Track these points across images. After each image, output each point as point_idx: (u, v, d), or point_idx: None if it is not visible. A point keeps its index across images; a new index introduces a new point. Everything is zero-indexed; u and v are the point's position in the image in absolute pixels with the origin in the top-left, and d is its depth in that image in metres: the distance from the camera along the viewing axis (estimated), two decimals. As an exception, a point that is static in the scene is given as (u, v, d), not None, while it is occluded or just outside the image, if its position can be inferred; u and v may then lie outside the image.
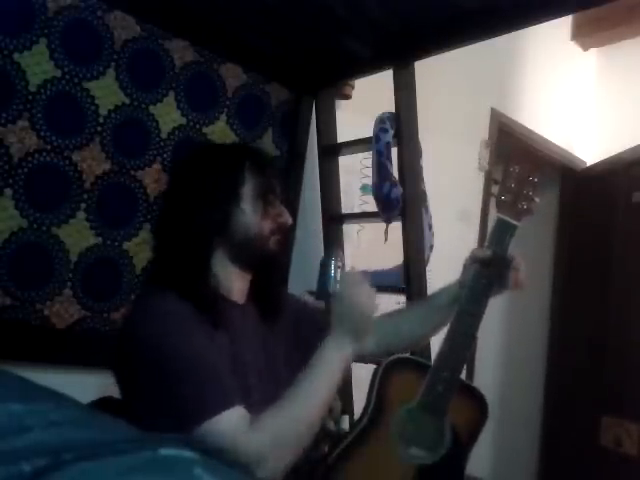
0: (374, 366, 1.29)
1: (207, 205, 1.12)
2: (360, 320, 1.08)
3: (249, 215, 1.14)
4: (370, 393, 1.23)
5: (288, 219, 1.19)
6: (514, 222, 1.20)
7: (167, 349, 0.99)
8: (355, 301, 1.07)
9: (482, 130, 3.16)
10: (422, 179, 2.05)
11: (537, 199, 1.21)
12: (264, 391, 1.10)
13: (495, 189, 1.24)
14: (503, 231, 1.20)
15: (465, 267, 1.26)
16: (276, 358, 1.20)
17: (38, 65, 1.65)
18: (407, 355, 1.26)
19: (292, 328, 1.27)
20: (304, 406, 1.00)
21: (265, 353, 1.17)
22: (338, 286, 1.10)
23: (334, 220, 2.20)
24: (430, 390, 1.16)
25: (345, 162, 2.28)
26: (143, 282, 1.19)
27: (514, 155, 3.31)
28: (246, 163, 1.18)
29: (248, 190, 1.15)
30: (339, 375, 1.04)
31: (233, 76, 2.07)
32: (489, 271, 1.19)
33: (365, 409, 1.22)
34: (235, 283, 1.17)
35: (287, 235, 1.22)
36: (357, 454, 1.16)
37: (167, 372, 0.98)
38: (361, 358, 1.31)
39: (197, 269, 1.10)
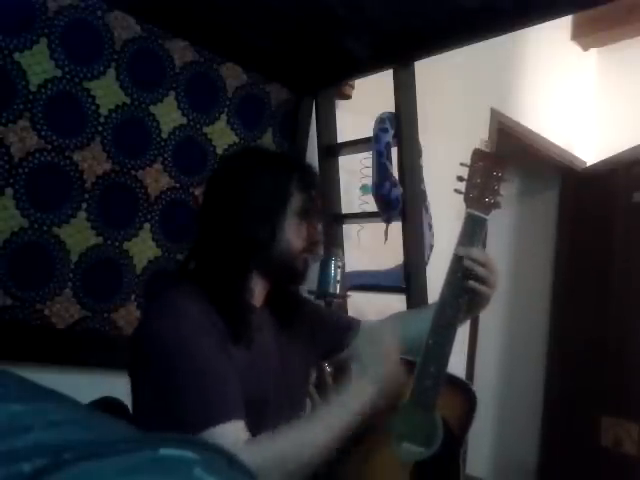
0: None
1: (254, 220, 1.11)
2: (387, 377, 1.09)
3: (288, 233, 1.13)
4: None
5: (320, 237, 1.18)
6: (483, 216, 1.21)
7: (177, 349, 0.99)
8: (386, 360, 1.10)
9: (482, 130, 3.16)
10: (422, 179, 2.06)
11: (503, 192, 1.23)
12: (279, 394, 1.11)
13: (461, 186, 1.24)
14: (474, 226, 1.21)
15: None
16: (291, 361, 1.20)
17: (38, 65, 1.65)
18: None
19: (308, 331, 1.27)
20: (311, 439, 1.00)
21: (280, 355, 1.18)
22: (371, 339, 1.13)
23: (334, 220, 2.20)
24: (419, 386, 1.17)
25: (345, 162, 2.28)
26: (175, 274, 1.19)
27: (513, 155, 3.32)
28: (294, 178, 1.16)
29: (292, 208, 1.14)
30: (352, 419, 1.04)
31: (233, 76, 2.07)
32: (463, 265, 1.18)
33: None
34: (256, 288, 1.17)
35: (315, 252, 1.21)
36: (355, 454, 1.16)
37: (174, 372, 0.98)
38: None
39: (237, 283, 1.10)
